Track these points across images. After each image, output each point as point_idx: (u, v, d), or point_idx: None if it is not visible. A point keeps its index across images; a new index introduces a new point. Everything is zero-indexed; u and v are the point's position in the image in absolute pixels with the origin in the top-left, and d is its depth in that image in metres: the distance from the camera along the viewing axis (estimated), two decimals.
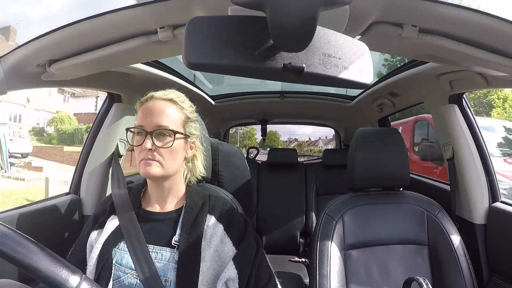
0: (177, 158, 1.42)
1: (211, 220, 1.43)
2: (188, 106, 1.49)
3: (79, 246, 1.46)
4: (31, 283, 1.10)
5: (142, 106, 1.42)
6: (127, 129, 1.46)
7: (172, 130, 1.37)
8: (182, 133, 1.42)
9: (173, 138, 1.36)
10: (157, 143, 1.35)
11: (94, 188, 2.28)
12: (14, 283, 0.86)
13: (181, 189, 1.53)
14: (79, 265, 1.35)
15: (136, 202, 1.51)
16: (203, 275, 1.32)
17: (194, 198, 1.49)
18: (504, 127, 8.87)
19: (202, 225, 1.40)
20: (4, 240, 0.81)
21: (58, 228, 2.05)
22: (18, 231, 0.85)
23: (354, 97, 3.81)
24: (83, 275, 0.85)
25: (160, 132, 1.36)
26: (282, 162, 4.43)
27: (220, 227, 1.41)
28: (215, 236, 1.39)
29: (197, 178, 1.61)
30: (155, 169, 1.36)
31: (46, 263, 0.82)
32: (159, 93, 1.43)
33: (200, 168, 1.59)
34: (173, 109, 1.42)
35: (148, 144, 1.33)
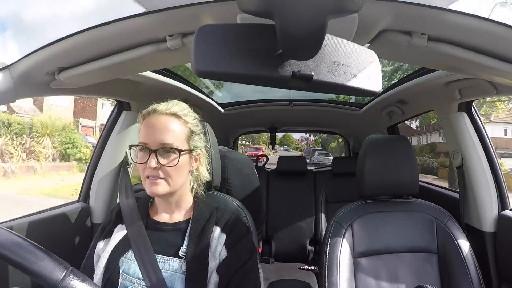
0: (182, 174, 1.41)
1: (216, 231, 1.42)
2: (191, 119, 1.46)
3: (89, 259, 1.46)
4: None
5: (144, 121, 1.39)
6: (130, 146, 1.45)
7: (176, 149, 1.35)
8: (186, 150, 1.40)
9: (178, 156, 1.35)
10: (162, 161, 1.33)
11: (103, 196, 2.29)
12: None
13: (188, 200, 1.53)
14: (92, 278, 1.35)
15: (144, 212, 1.50)
16: (210, 286, 1.32)
17: (202, 210, 1.48)
18: None
19: (208, 236, 1.39)
20: None
21: (67, 236, 2.06)
22: (2, 227, 0.86)
23: (363, 105, 3.81)
24: (70, 267, 0.86)
25: (165, 149, 1.34)
26: (291, 170, 4.41)
27: (224, 238, 1.41)
28: (219, 246, 1.39)
29: (204, 184, 1.60)
30: (162, 188, 1.35)
31: (32, 256, 0.82)
32: (161, 107, 1.40)
33: (205, 174, 1.57)
34: (176, 124, 1.39)
35: (153, 163, 1.31)
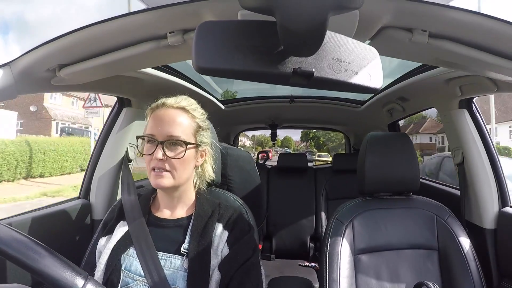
0: (188, 168, 1.41)
1: (218, 228, 1.41)
2: (199, 114, 1.46)
3: (91, 255, 1.46)
4: (41, 287, 1.10)
5: (153, 114, 1.40)
6: (138, 137, 1.45)
7: (183, 141, 1.35)
8: (193, 143, 1.39)
9: (184, 149, 1.35)
10: (168, 154, 1.33)
11: (104, 192, 2.29)
12: None
13: (191, 196, 1.52)
14: (93, 274, 1.35)
15: (146, 208, 1.49)
16: (212, 283, 1.31)
17: (204, 206, 1.47)
18: None
19: (210, 233, 1.38)
20: (11, 243, 0.82)
21: (68, 232, 2.06)
22: (24, 234, 0.86)
23: (364, 102, 3.80)
24: (88, 276, 0.86)
25: (172, 142, 1.34)
26: (292, 166, 4.41)
27: (226, 235, 1.40)
28: (221, 244, 1.38)
29: (207, 182, 1.59)
30: (167, 181, 1.34)
31: (51, 265, 0.82)
32: (170, 100, 1.40)
33: (210, 172, 1.56)
34: (184, 117, 1.39)
35: (159, 154, 1.31)
